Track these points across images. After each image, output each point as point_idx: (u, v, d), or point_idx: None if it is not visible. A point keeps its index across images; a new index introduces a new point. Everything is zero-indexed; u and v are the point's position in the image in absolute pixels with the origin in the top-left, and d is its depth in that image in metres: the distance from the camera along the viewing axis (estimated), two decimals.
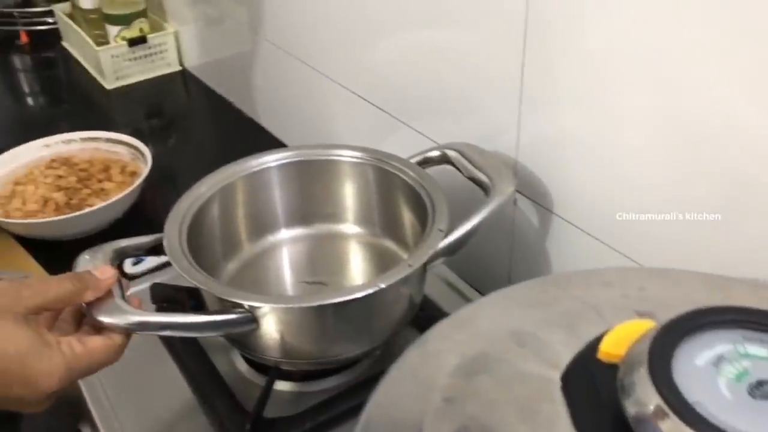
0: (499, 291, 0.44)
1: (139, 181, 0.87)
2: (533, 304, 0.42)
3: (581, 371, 0.34)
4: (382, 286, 0.54)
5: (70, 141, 0.98)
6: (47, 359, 0.45)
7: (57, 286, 0.48)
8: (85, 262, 0.55)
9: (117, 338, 0.50)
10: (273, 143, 1.07)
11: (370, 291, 0.54)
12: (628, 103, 0.54)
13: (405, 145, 0.76)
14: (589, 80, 0.56)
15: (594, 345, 0.34)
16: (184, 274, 0.56)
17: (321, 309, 0.55)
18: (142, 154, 0.93)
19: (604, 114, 0.56)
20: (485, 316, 0.42)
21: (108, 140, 0.97)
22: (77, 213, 0.84)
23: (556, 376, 0.35)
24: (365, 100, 0.83)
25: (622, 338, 0.33)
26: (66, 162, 0.96)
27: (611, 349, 0.33)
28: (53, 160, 0.96)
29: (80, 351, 0.47)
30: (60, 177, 0.93)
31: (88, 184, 0.92)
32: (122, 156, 0.96)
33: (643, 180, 0.55)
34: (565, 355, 0.36)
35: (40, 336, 0.46)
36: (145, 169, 0.89)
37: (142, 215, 0.89)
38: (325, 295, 0.56)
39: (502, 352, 0.38)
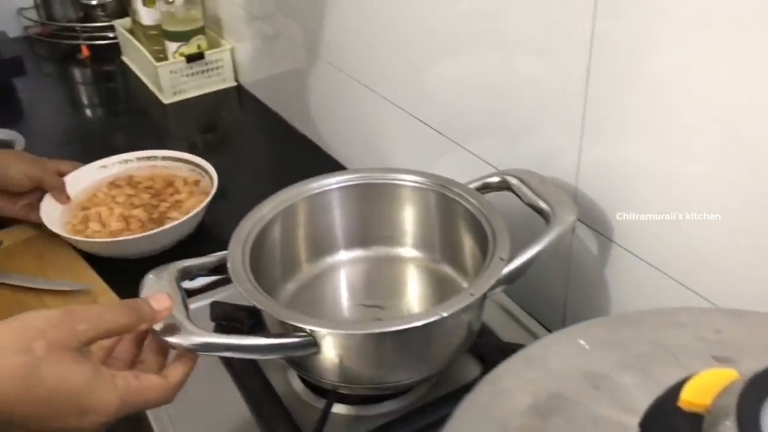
0: (567, 328, 0.43)
1: (212, 194, 0.88)
2: (605, 344, 0.41)
3: (661, 418, 0.33)
4: (444, 314, 0.54)
5: (126, 161, 0.97)
6: (102, 392, 0.46)
7: (112, 319, 0.48)
8: (151, 282, 0.56)
9: (172, 379, 0.51)
10: (326, 161, 1.08)
11: (432, 319, 0.54)
12: (693, 130, 0.53)
13: (461, 167, 0.76)
14: (654, 107, 0.55)
15: (673, 392, 0.34)
16: (248, 296, 0.56)
17: (382, 336, 0.55)
18: (201, 168, 0.94)
19: (668, 141, 0.55)
20: (556, 354, 0.41)
21: (164, 158, 0.98)
22: (164, 227, 0.84)
23: (632, 421, 0.34)
24: (422, 121, 0.84)
25: (706, 387, 0.32)
26: (129, 181, 0.96)
27: (694, 398, 0.32)
28: (113, 182, 0.95)
29: (135, 387, 0.48)
30: (130, 195, 0.92)
31: (162, 198, 0.92)
32: (179, 170, 0.97)
33: (707, 209, 0.54)
34: (641, 399, 0.35)
35: (96, 369, 0.46)
36: (210, 186, 0.90)
37: (198, 230, 0.90)
38: (387, 323, 0.56)
39: (575, 393, 0.37)
